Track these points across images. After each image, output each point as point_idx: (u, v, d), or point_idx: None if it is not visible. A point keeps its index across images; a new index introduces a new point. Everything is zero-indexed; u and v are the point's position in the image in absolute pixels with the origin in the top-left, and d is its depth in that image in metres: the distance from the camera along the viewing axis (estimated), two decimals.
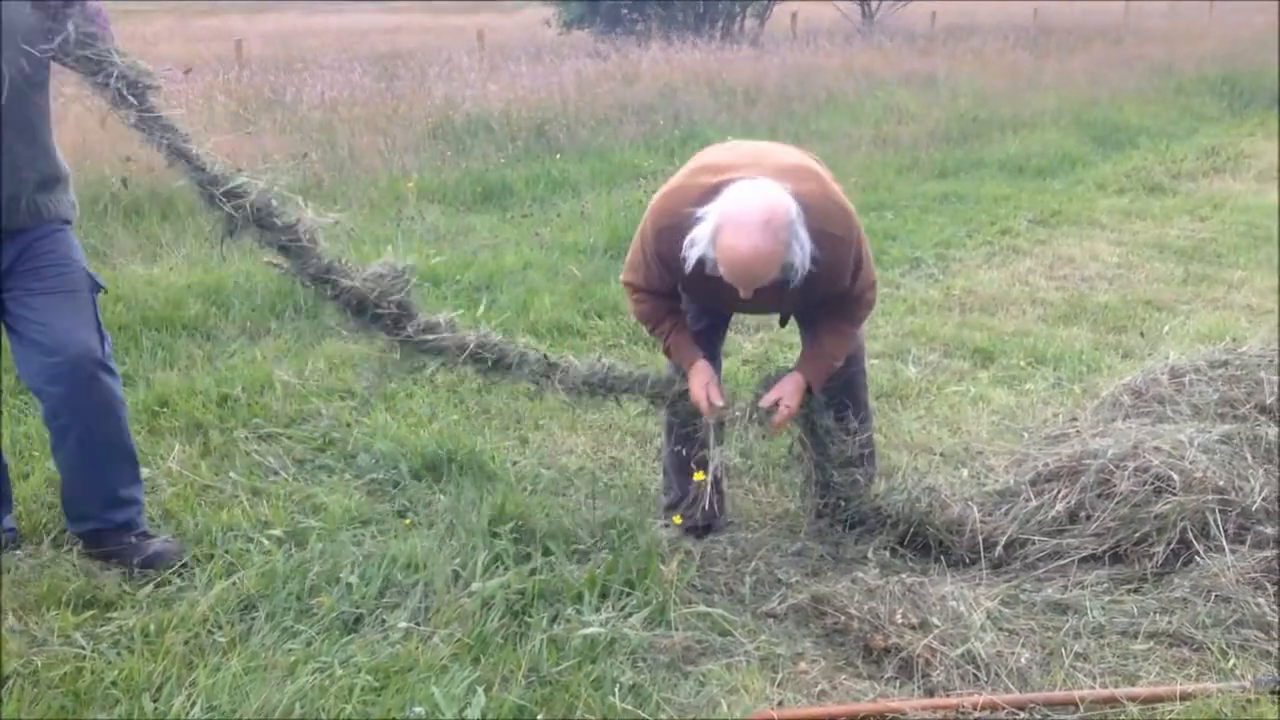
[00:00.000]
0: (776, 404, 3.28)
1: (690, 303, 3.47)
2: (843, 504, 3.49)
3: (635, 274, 3.35)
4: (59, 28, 2.84)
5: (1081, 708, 2.68)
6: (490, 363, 3.36)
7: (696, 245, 2.97)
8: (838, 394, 3.50)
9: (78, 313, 3.15)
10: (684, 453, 3.52)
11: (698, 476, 3.56)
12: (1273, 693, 2.69)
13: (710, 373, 3.35)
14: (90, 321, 3.18)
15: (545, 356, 3.41)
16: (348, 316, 3.25)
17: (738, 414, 3.31)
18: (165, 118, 2.93)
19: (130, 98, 2.89)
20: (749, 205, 2.90)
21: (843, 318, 3.34)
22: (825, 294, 3.21)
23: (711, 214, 2.94)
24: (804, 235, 2.94)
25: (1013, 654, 2.86)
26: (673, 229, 3.09)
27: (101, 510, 3.27)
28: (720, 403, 3.30)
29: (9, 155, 2.97)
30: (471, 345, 3.30)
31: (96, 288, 3.24)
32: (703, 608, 3.11)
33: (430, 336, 3.27)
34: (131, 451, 3.34)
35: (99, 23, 2.92)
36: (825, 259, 3.03)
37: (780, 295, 3.13)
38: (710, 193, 2.99)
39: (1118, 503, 3.37)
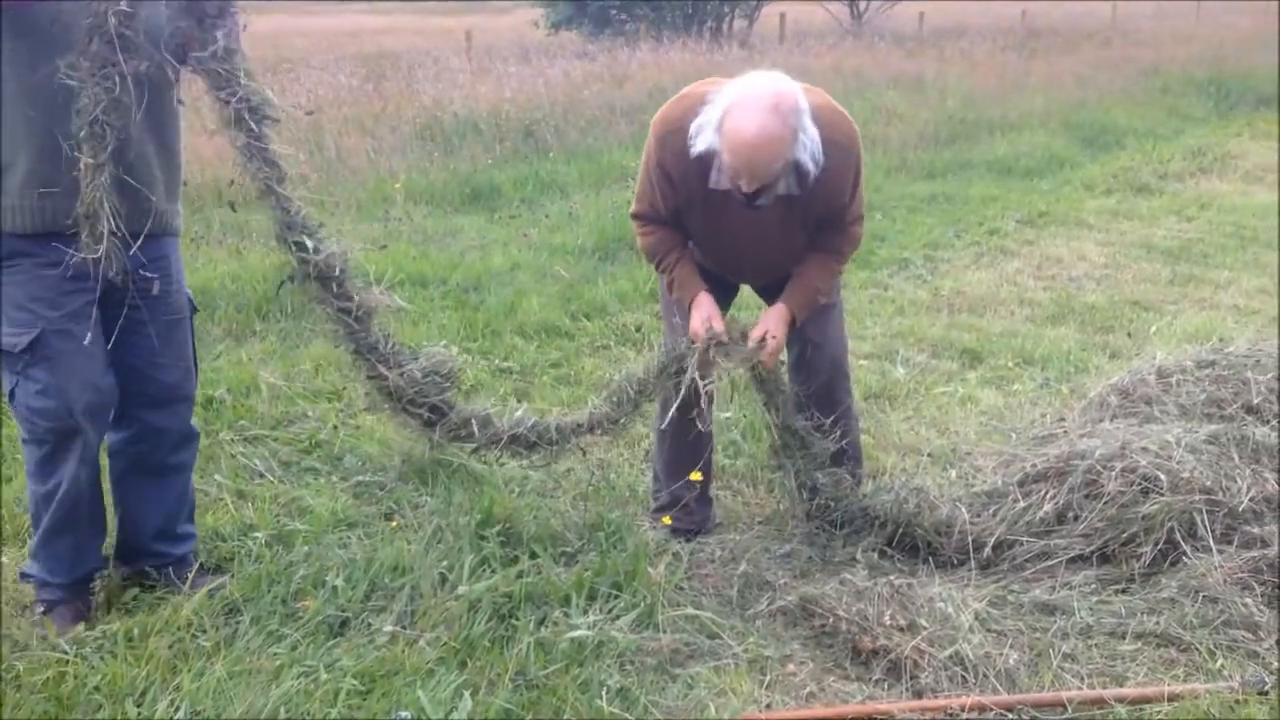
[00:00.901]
0: (764, 341, 3.26)
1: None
2: (832, 504, 3.48)
3: (641, 201, 3.34)
4: (208, 37, 2.79)
5: (1069, 709, 2.68)
6: (529, 445, 3.38)
7: (703, 132, 2.98)
8: (819, 397, 3.49)
9: (182, 342, 3.12)
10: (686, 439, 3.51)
11: (694, 476, 3.55)
12: (1260, 693, 2.69)
13: (713, 306, 3.30)
14: (189, 351, 3.15)
15: (577, 423, 3.42)
16: (380, 399, 3.26)
17: (728, 343, 3.26)
18: (271, 152, 2.90)
19: (249, 122, 2.86)
20: (757, 90, 2.92)
21: (829, 251, 3.33)
22: (825, 211, 3.21)
23: (719, 101, 2.96)
24: (811, 130, 2.95)
25: (1001, 655, 2.86)
26: (676, 134, 3.09)
27: (162, 544, 3.20)
28: (719, 328, 3.25)
29: (148, 157, 2.88)
30: (505, 439, 3.33)
31: (194, 310, 3.20)
32: (691, 610, 3.10)
33: (463, 433, 3.29)
34: (192, 485, 3.30)
35: (237, 35, 2.88)
36: (830, 166, 3.05)
37: (785, 214, 3.15)
38: (713, 94, 3.01)
39: (1105, 503, 3.36)
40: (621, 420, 3.43)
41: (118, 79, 2.64)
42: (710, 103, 2.99)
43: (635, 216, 3.41)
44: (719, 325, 3.26)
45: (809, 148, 2.97)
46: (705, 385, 3.24)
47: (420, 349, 3.30)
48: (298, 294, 3.13)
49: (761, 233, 3.26)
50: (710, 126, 2.96)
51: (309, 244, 2.95)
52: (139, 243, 2.79)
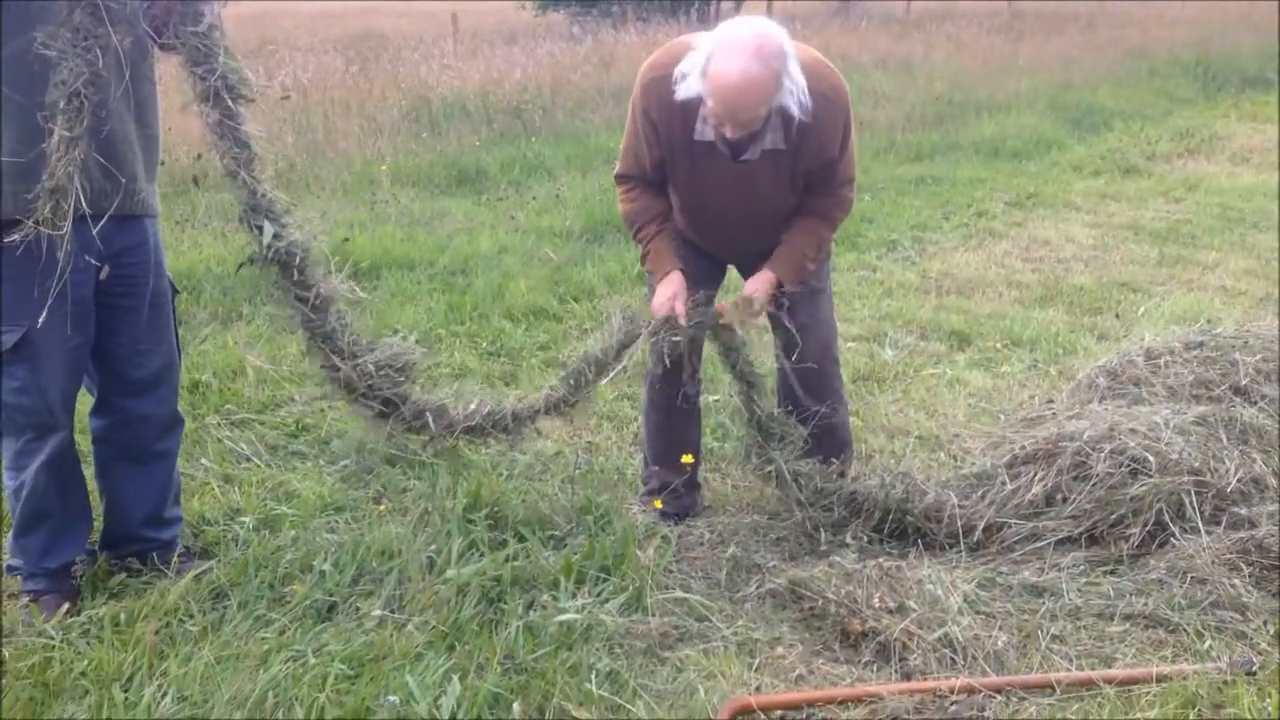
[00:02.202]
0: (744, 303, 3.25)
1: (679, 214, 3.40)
2: (826, 489, 3.43)
3: (626, 159, 3.30)
4: (193, 11, 2.73)
5: (1058, 690, 2.68)
6: (484, 433, 3.34)
7: (687, 78, 2.96)
8: (809, 381, 3.47)
9: (165, 327, 3.08)
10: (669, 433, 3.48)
11: (685, 459, 3.54)
12: (1248, 674, 2.69)
13: (681, 286, 3.26)
14: (172, 335, 3.12)
15: (533, 407, 3.36)
16: (333, 388, 3.23)
17: (683, 327, 3.22)
18: (243, 132, 2.85)
19: (225, 100, 2.80)
20: (741, 34, 2.90)
21: (818, 215, 3.29)
22: (814, 166, 3.17)
23: (703, 45, 2.94)
24: (796, 75, 2.93)
25: (990, 637, 2.86)
26: (662, 80, 3.07)
27: (150, 529, 3.18)
28: (680, 310, 3.21)
29: (128, 136, 2.83)
30: (459, 429, 3.29)
31: (175, 293, 3.17)
32: (680, 593, 3.09)
33: (416, 425, 3.26)
34: (178, 470, 3.28)
35: (217, 11, 2.82)
36: (818, 118, 3.03)
37: (772, 171, 3.13)
38: (699, 41, 2.99)
39: (1094, 485, 3.36)
40: (578, 403, 3.39)
41: (99, 52, 2.58)
42: (695, 49, 2.96)
43: (619, 179, 3.35)
44: (680, 308, 3.22)
45: (794, 93, 2.93)
46: (669, 354, 3.21)
47: (378, 341, 3.25)
48: (257, 276, 3.09)
49: (748, 190, 3.22)
50: (695, 72, 2.94)
51: (268, 228, 2.91)
52: (100, 224, 2.71)
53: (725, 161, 3.13)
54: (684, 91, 2.98)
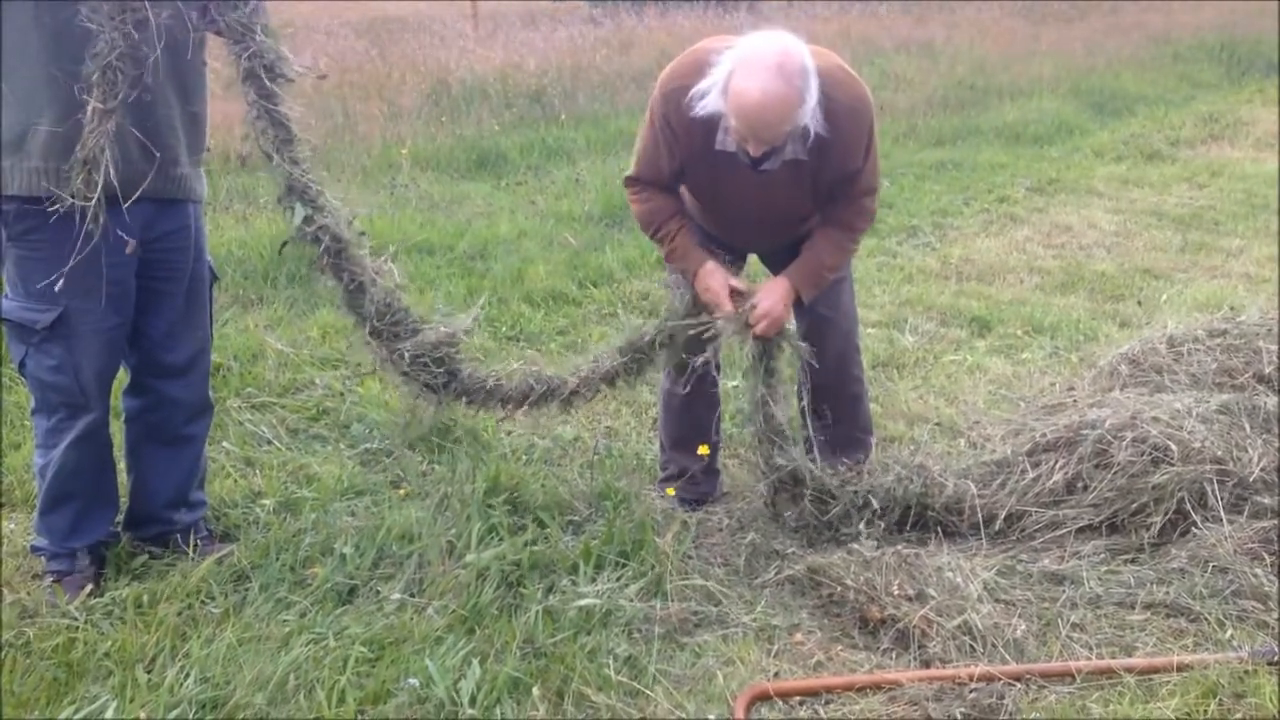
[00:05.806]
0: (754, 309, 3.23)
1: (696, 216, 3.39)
2: (846, 482, 3.41)
3: (641, 164, 3.28)
4: None
5: (1078, 679, 2.68)
6: (544, 398, 3.37)
7: (709, 95, 2.94)
8: (830, 370, 3.46)
9: (200, 312, 3.11)
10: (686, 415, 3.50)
11: (702, 450, 3.53)
12: (1270, 664, 2.68)
13: (724, 270, 3.26)
14: (207, 320, 3.15)
15: (586, 373, 3.40)
16: (379, 365, 3.24)
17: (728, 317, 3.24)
18: (280, 112, 2.85)
19: (262, 79, 2.80)
20: (763, 50, 2.88)
21: (842, 226, 3.27)
22: (836, 176, 3.15)
23: (725, 61, 2.92)
24: (817, 90, 2.91)
25: (1009, 625, 2.85)
26: (682, 90, 3.04)
27: (173, 511, 3.20)
28: (744, 288, 3.23)
29: (172, 119, 2.83)
30: (513, 406, 3.35)
31: (214, 279, 3.18)
32: (698, 579, 3.09)
33: (468, 397, 3.32)
34: (205, 454, 3.31)
35: None
36: (841, 129, 3.01)
37: (793, 178, 3.11)
38: (720, 53, 2.97)
39: (1115, 473, 3.34)
40: (626, 369, 3.41)
41: (138, 27, 2.59)
42: (716, 64, 2.94)
43: (632, 181, 3.33)
44: (742, 287, 3.24)
45: (812, 110, 2.92)
46: (716, 354, 3.23)
47: (428, 321, 3.25)
48: (298, 257, 3.11)
49: (768, 197, 3.20)
50: (716, 89, 2.92)
51: (299, 210, 2.92)
52: (129, 202, 2.73)
53: (746, 171, 3.11)
54: (705, 109, 2.96)
